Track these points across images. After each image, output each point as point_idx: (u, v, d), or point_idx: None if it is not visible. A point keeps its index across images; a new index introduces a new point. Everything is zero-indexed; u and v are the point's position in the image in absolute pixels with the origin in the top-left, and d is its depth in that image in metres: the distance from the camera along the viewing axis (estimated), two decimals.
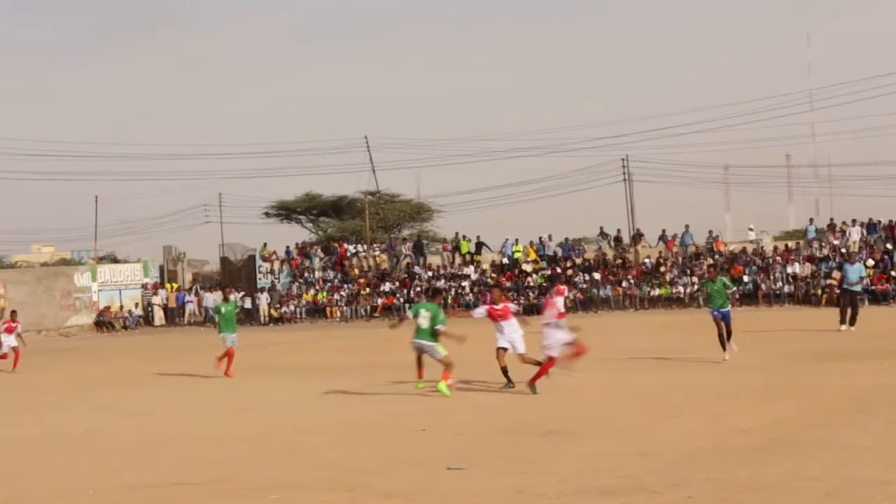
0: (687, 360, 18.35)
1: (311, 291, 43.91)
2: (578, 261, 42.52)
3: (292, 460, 9.52)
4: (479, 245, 44.49)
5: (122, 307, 45.87)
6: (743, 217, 69.43)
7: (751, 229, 44.16)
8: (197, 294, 46.42)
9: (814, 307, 35.07)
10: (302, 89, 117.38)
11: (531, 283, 41.25)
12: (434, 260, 45.59)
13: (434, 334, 14.42)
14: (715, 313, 17.85)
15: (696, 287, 36.91)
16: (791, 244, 41.30)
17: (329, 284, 44.32)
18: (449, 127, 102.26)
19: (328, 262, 46.01)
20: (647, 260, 41.76)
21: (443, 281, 41.24)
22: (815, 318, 27.85)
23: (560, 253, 43.20)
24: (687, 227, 42.86)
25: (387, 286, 43.06)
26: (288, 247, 47.72)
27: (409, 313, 15.17)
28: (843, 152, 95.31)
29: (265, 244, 47.84)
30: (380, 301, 42.04)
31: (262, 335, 33.43)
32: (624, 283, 40.10)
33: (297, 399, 15.08)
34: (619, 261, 42.30)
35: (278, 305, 43.35)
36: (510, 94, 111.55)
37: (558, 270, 40.27)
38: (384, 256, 45.83)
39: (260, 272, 45.93)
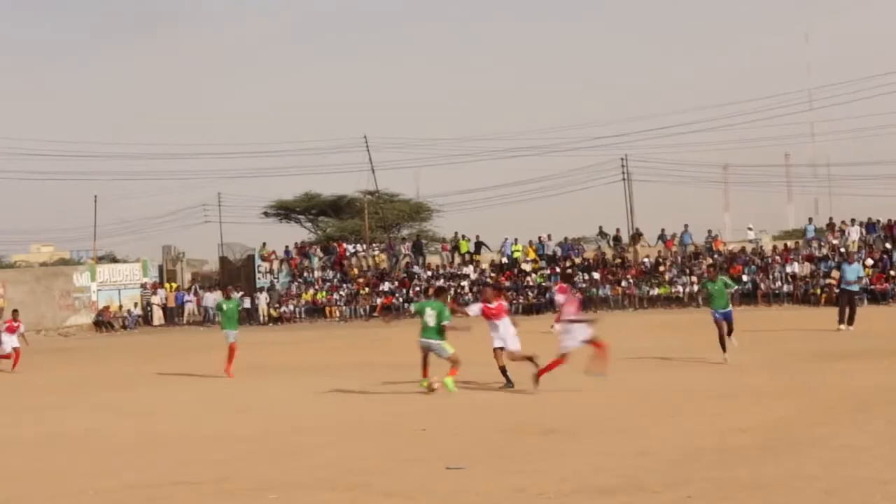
0: (687, 360, 18.36)
1: (311, 291, 43.91)
2: (578, 260, 42.53)
3: (292, 460, 9.52)
4: (479, 245, 44.49)
5: (121, 307, 45.85)
6: (742, 216, 69.47)
7: (750, 229, 44.16)
8: (196, 294, 46.42)
9: (813, 307, 35.05)
10: (302, 89, 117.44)
11: (530, 283, 41.26)
12: (433, 259, 45.59)
13: (441, 331, 14.48)
14: (717, 315, 17.66)
15: (695, 287, 36.93)
16: (790, 244, 41.29)
17: (328, 284, 44.32)
18: (448, 127, 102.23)
19: (327, 262, 46.01)
20: (646, 259, 41.77)
21: (442, 280, 41.24)
22: (814, 317, 27.86)
23: (559, 252, 43.22)
24: (686, 226, 42.89)
25: (386, 286, 43.06)
26: (287, 246, 47.73)
27: (413, 309, 15.23)
28: (842, 152, 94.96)
29: (264, 244, 47.86)
30: (379, 301, 42.04)
31: (262, 335, 33.42)
32: (623, 283, 40.10)
33: (297, 399, 15.09)
34: (619, 260, 42.30)
35: (277, 305, 43.34)
36: (510, 94, 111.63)
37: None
38: (383, 256, 45.83)
39: (259, 272, 45.92)
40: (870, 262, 36.57)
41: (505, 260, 43.62)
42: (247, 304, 42.69)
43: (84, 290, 45.78)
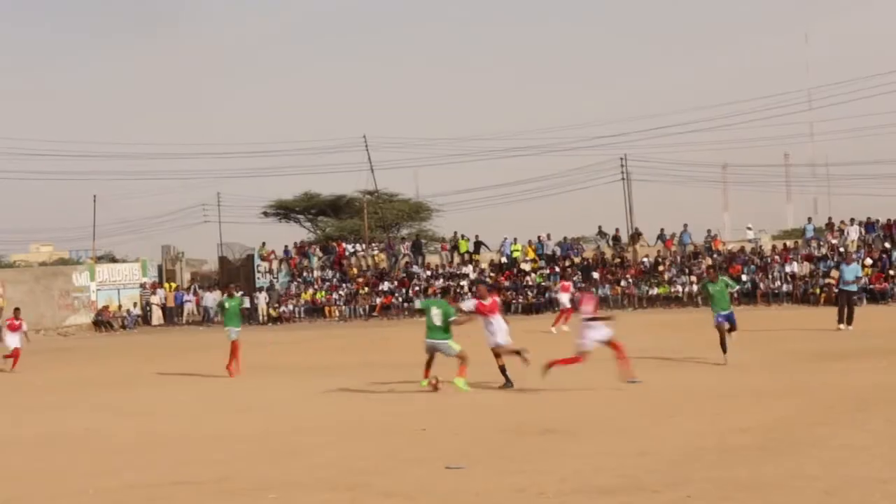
0: (686, 360, 18.37)
1: (310, 291, 43.89)
2: (577, 260, 42.53)
3: (292, 460, 9.53)
4: (478, 244, 44.47)
5: (120, 307, 45.82)
6: (741, 216, 69.34)
7: (749, 228, 44.15)
8: (195, 293, 46.40)
9: (812, 306, 35.04)
10: (301, 89, 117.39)
11: (529, 283, 41.27)
12: (433, 259, 45.57)
13: (447, 330, 14.52)
14: (719, 318, 17.33)
15: (695, 287, 36.91)
16: (789, 243, 41.28)
17: (328, 284, 44.30)
18: (448, 127, 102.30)
19: (327, 262, 45.99)
20: (645, 259, 41.76)
21: (441, 280, 41.25)
22: (814, 317, 27.85)
23: (559, 252, 43.21)
24: (685, 226, 42.87)
25: (385, 285, 43.06)
26: (286, 246, 47.71)
27: (419, 305, 15.30)
28: (841, 151, 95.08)
29: (264, 243, 47.82)
30: (378, 300, 42.05)
31: (261, 335, 33.41)
32: (622, 283, 40.09)
33: (297, 399, 15.09)
34: (618, 260, 42.29)
35: (277, 305, 43.32)
36: (510, 94, 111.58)
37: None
38: (383, 256, 45.81)
39: (258, 271, 45.89)
40: (869, 261, 36.57)
41: (504, 259, 43.61)
42: (246, 303, 42.68)
43: (83, 290, 45.76)
